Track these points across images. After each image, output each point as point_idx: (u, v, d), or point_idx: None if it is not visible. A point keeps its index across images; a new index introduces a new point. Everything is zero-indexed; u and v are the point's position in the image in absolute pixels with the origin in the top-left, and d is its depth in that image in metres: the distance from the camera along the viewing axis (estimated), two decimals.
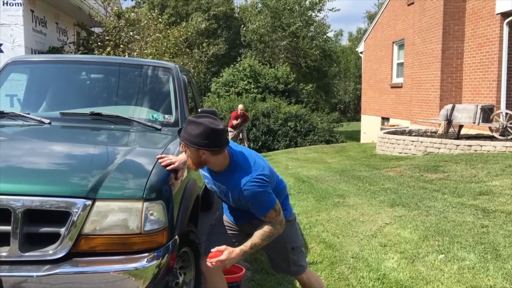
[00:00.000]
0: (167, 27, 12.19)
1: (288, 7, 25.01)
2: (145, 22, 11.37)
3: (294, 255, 2.87)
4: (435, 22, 12.01)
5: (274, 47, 25.46)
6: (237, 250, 2.51)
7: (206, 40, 22.49)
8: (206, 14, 25.69)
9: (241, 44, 26.57)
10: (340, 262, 4.09)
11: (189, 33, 12.93)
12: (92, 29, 12.25)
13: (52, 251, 2.22)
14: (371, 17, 29.04)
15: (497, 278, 3.54)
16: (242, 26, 26.15)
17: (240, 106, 12.61)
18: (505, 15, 10.03)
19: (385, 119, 16.58)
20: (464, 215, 5.08)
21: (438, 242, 4.31)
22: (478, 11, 11.01)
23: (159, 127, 3.47)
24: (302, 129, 17.86)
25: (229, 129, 12.02)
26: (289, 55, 25.65)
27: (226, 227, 2.94)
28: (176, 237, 2.60)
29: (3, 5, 8.96)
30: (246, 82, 20.08)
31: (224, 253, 2.47)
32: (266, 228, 2.57)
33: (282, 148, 16.88)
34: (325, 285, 3.57)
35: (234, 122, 11.97)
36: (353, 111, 38.01)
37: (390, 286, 3.56)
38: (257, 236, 2.56)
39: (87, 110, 3.50)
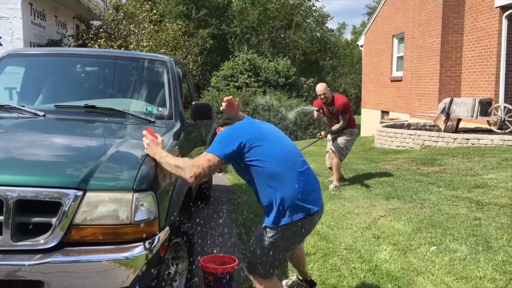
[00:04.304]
0: (162, 18, 12.14)
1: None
2: (144, 15, 11.37)
3: (259, 247, 2.69)
4: (434, 15, 11.99)
5: (263, 40, 25.42)
6: (159, 149, 2.61)
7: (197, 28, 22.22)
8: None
9: (233, 37, 26.45)
10: (333, 253, 4.14)
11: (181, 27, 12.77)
12: (91, 22, 12.26)
13: (43, 241, 2.26)
14: (371, 12, 28.95)
15: (487, 270, 3.59)
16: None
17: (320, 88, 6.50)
18: (504, 8, 10.01)
19: (385, 113, 16.58)
20: (458, 207, 5.11)
21: (431, 234, 4.36)
22: (477, 5, 10.99)
23: (152, 119, 3.49)
24: (302, 123, 17.88)
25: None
26: (275, 49, 25.55)
27: None
28: (167, 227, 2.64)
29: None
30: (246, 75, 20.07)
31: (153, 139, 2.64)
32: (186, 159, 2.62)
33: None
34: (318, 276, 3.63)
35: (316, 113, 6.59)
36: (354, 105, 37.97)
37: (381, 277, 3.60)
38: (174, 158, 2.59)
39: (81, 103, 3.53)
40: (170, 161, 2.56)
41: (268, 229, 2.64)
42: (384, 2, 16.80)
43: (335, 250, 4.21)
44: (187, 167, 2.51)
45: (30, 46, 9.19)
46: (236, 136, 2.60)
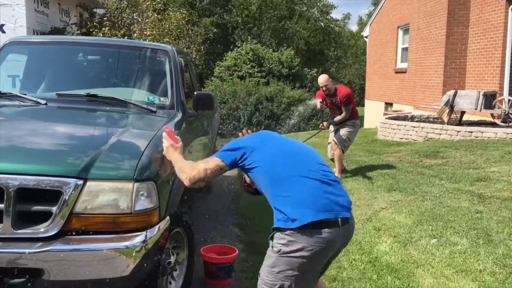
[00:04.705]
0: (165, 6, 12.07)
1: None
2: (148, 3, 11.32)
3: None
4: (440, 6, 11.89)
5: (263, 30, 25.29)
6: (176, 154, 2.52)
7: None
8: None
9: (235, 26, 26.30)
10: None
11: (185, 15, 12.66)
12: (94, 10, 12.22)
13: (44, 229, 2.27)
14: (377, 3, 28.78)
15: (487, 263, 3.59)
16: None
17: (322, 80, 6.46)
18: (510, 0, 9.91)
19: (388, 105, 16.52)
20: (459, 200, 5.11)
21: (432, 227, 4.35)
22: None
23: (154, 109, 3.49)
24: (305, 113, 17.85)
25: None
26: (276, 40, 25.41)
27: None
28: (168, 217, 2.65)
29: None
30: (249, 66, 19.99)
31: (173, 144, 2.55)
32: (196, 162, 2.43)
33: (285, 133, 16.91)
34: None
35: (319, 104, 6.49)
36: (358, 96, 37.93)
37: (381, 269, 3.61)
38: (185, 162, 2.47)
39: (83, 92, 3.53)
40: (178, 165, 2.46)
41: (275, 235, 2.21)
42: None
43: None
44: (187, 170, 2.37)
45: (33, 34, 9.18)
46: (242, 140, 2.44)
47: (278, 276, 2.16)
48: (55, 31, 9.99)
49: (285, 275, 2.15)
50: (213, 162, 2.35)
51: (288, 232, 2.13)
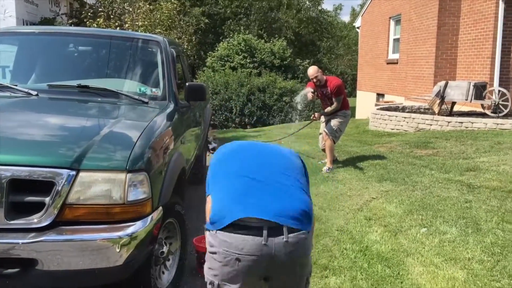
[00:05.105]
0: None
1: None
2: None
3: None
4: None
5: (252, 20, 25.21)
6: None
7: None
8: None
9: (225, 17, 26.19)
10: (325, 234, 4.19)
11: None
12: (85, 0, 12.11)
13: (37, 220, 2.28)
14: None
15: (476, 251, 3.65)
16: None
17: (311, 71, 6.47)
18: None
19: (380, 95, 16.58)
20: (449, 190, 5.17)
21: (422, 216, 4.41)
22: None
23: (146, 100, 3.49)
24: (296, 104, 17.87)
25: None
26: (264, 31, 25.35)
27: None
28: (160, 207, 2.66)
29: None
30: (241, 56, 19.96)
31: None
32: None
33: (277, 123, 16.92)
34: None
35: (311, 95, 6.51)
36: (350, 87, 38.06)
37: (372, 258, 3.66)
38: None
39: (74, 83, 3.52)
40: None
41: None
42: None
43: (327, 231, 4.26)
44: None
45: (23, 24, 9.09)
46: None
47: (208, 272, 2.01)
48: (45, 21, 9.90)
49: (212, 274, 1.99)
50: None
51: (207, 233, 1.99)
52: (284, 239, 1.88)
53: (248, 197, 1.97)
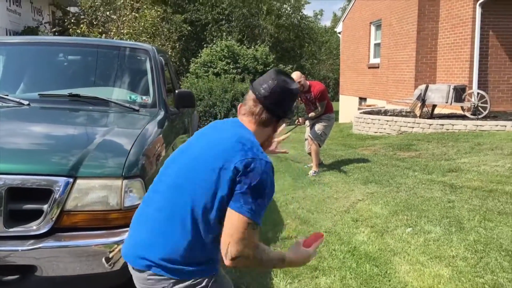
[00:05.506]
0: (145, 6, 12.09)
1: None
2: (122, 1, 11.26)
3: None
4: (410, 2, 12.18)
5: (233, 27, 25.38)
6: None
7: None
8: None
9: (206, 24, 26.29)
10: None
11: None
12: (68, 8, 12.07)
13: (35, 227, 2.33)
14: None
15: (460, 249, 3.77)
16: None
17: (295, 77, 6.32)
18: None
19: (362, 99, 16.81)
20: (432, 191, 5.31)
21: (407, 217, 4.54)
22: None
23: (137, 108, 3.55)
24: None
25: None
26: (244, 37, 25.53)
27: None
28: None
29: None
30: (224, 62, 20.04)
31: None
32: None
33: None
34: None
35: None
36: (333, 91, 38.45)
37: (360, 258, 3.76)
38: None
39: (65, 92, 3.56)
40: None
41: None
42: None
43: None
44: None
45: (6, 33, 9.04)
46: None
47: None
48: (28, 30, 9.85)
49: None
50: None
51: None
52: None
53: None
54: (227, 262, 1.61)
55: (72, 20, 10.50)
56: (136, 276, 1.75)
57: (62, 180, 2.35)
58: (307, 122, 6.93)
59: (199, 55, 21.11)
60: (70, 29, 10.10)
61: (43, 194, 2.34)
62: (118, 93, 3.80)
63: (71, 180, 2.36)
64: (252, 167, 1.61)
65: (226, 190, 1.61)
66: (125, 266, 2.42)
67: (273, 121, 1.83)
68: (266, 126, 1.82)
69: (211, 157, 1.66)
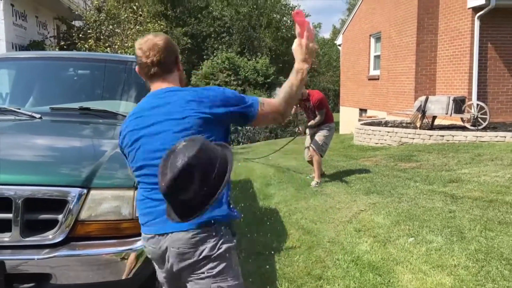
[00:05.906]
0: (148, 20, 12.27)
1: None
2: (125, 15, 11.43)
3: None
4: (409, 15, 12.34)
5: (234, 39, 25.69)
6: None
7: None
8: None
9: (208, 36, 26.63)
10: (317, 246, 4.35)
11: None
12: (72, 22, 12.22)
13: (51, 236, 2.41)
14: (351, 8, 29.42)
15: (461, 258, 3.84)
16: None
17: None
18: (476, 9, 10.39)
19: (363, 111, 16.93)
20: (434, 201, 5.39)
21: (409, 227, 4.60)
22: (450, 5, 11.36)
23: None
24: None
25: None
26: (245, 50, 25.81)
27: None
28: None
29: None
30: (225, 74, 20.22)
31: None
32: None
33: (262, 140, 17.12)
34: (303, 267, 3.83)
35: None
36: (333, 102, 38.61)
37: (363, 267, 3.83)
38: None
39: (75, 105, 3.65)
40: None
41: None
42: (361, 1, 17.13)
43: (319, 243, 4.42)
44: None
45: (12, 47, 9.17)
46: None
47: None
48: (34, 44, 9.98)
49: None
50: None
51: None
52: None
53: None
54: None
55: (80, 35, 10.65)
56: (172, 240, 1.80)
57: (76, 191, 2.43)
58: (308, 131, 7.05)
59: (200, 67, 21.31)
60: (78, 43, 10.23)
61: (58, 204, 2.42)
62: (126, 106, 3.89)
63: (85, 191, 2.45)
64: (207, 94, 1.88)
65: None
66: (136, 274, 2.51)
67: (172, 63, 1.98)
68: (172, 71, 1.99)
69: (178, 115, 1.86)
